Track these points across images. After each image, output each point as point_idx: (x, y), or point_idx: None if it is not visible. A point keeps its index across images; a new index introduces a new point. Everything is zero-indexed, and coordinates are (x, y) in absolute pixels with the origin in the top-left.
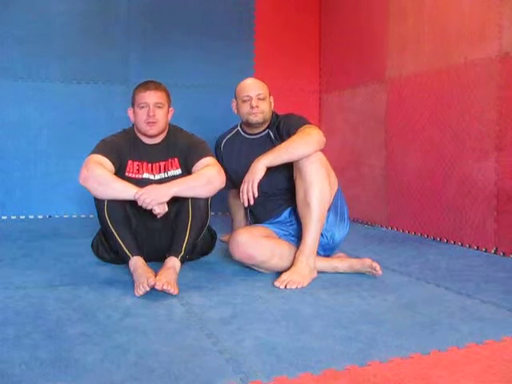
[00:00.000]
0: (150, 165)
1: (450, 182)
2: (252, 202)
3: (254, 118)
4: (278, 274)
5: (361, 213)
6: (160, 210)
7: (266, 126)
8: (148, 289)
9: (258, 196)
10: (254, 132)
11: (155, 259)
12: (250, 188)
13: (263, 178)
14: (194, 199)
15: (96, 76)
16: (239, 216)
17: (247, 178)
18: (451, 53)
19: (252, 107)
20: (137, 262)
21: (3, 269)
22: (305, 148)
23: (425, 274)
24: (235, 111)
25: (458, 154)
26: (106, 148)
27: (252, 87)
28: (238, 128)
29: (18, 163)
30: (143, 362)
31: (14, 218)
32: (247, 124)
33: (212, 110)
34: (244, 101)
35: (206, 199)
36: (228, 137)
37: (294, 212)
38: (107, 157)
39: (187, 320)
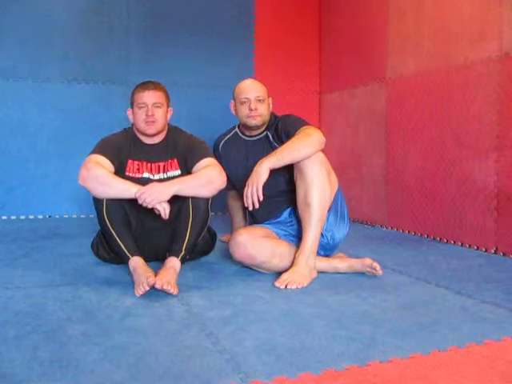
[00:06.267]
0: (149, 164)
1: (450, 182)
2: (257, 206)
3: (252, 121)
4: (278, 274)
5: (361, 213)
6: (161, 208)
7: (264, 127)
8: (148, 288)
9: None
10: (252, 134)
11: (155, 259)
12: (254, 191)
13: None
14: (195, 199)
15: (96, 76)
16: (238, 216)
17: (251, 181)
18: (451, 53)
19: (250, 109)
20: (136, 262)
21: (3, 269)
22: (307, 149)
23: (425, 274)
24: (233, 112)
25: (457, 154)
26: (106, 148)
27: (251, 89)
28: (236, 129)
29: (18, 163)
30: (143, 361)
31: (13, 218)
32: (245, 126)
33: (212, 109)
34: (242, 103)
35: (207, 199)
36: (226, 138)
37: (295, 212)
38: (107, 156)
39: (187, 320)
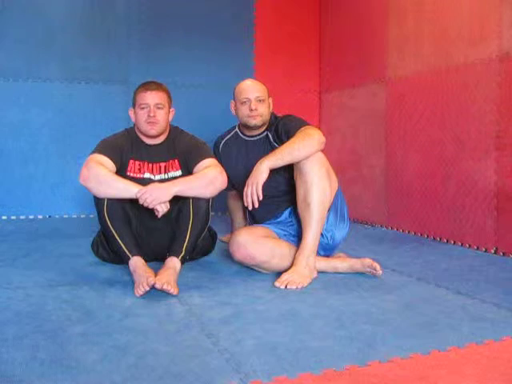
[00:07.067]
0: (150, 165)
1: (450, 182)
2: (256, 205)
3: (252, 121)
4: (278, 274)
5: (361, 213)
6: (161, 209)
7: (264, 127)
8: (148, 288)
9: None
10: (252, 134)
11: (155, 259)
12: (254, 191)
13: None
14: (196, 199)
15: (96, 76)
16: (239, 217)
17: (251, 180)
18: (451, 53)
19: (251, 110)
20: (136, 263)
21: (3, 269)
22: (307, 149)
23: (425, 274)
24: (233, 112)
25: (457, 154)
26: (107, 148)
27: (251, 89)
28: (237, 129)
29: (18, 163)
30: (143, 362)
31: (13, 218)
32: (245, 126)
33: (212, 109)
34: (243, 103)
35: (208, 199)
36: (226, 138)
37: (294, 212)
38: (108, 156)
39: (187, 320)
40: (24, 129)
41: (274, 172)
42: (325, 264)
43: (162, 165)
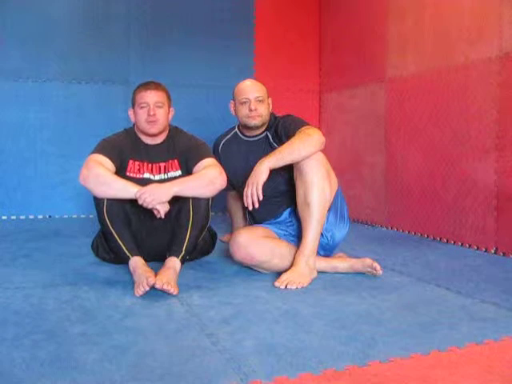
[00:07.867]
0: (150, 165)
1: (450, 182)
2: (257, 205)
3: (252, 121)
4: (278, 274)
5: (361, 213)
6: (161, 209)
7: (264, 128)
8: (148, 288)
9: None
10: (251, 134)
11: (155, 259)
12: (254, 191)
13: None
14: (195, 199)
15: (96, 76)
16: (238, 217)
17: (251, 180)
18: (451, 53)
19: (250, 110)
20: (136, 262)
21: (3, 269)
22: (307, 149)
23: (425, 274)
24: (233, 113)
25: (457, 154)
26: (107, 148)
27: (250, 89)
28: (236, 130)
29: (18, 163)
30: (143, 362)
31: (13, 218)
32: (245, 126)
33: (212, 110)
34: (242, 103)
35: (207, 199)
36: (226, 138)
37: (294, 212)
38: (108, 156)
39: (187, 320)
40: (24, 129)
41: (273, 172)
42: (325, 264)
43: (162, 165)
